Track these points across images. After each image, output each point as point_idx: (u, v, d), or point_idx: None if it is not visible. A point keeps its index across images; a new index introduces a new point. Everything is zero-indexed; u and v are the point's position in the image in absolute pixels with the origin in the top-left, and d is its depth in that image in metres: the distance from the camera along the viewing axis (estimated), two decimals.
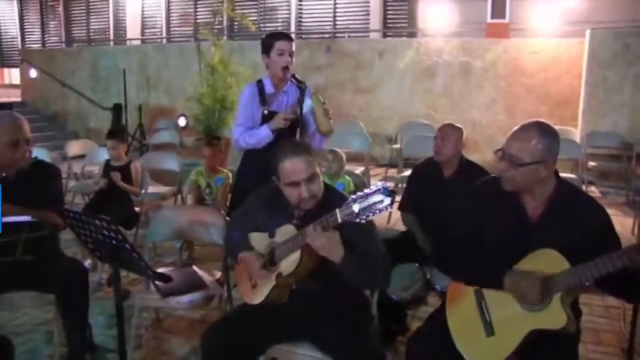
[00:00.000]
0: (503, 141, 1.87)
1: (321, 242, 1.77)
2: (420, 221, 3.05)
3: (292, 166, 1.92)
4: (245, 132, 2.97)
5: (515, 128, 1.85)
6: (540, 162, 1.78)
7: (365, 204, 1.65)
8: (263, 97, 2.97)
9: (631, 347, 2.34)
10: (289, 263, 1.92)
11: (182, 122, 7.63)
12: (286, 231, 1.96)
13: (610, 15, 7.22)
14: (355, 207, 1.66)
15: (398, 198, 3.15)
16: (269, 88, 2.99)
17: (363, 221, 1.68)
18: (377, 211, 1.64)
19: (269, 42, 2.91)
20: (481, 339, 1.82)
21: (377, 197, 1.63)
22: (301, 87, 2.91)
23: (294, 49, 2.92)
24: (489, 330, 1.82)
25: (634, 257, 1.60)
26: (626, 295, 1.86)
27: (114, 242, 1.87)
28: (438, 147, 2.96)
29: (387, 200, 1.62)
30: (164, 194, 4.92)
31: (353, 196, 1.69)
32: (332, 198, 1.97)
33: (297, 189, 1.93)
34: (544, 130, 1.80)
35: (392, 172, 6.46)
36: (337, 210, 1.73)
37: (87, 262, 3.15)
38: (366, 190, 1.66)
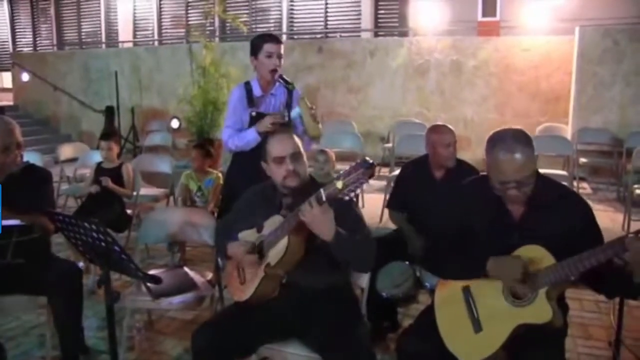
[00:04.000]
0: None
1: (314, 214, 1.77)
2: (411, 220, 3.06)
3: (277, 141, 2.01)
4: (234, 135, 2.97)
5: (501, 158, 1.77)
6: (535, 159, 1.82)
7: (347, 180, 1.67)
8: (251, 99, 2.97)
9: (618, 339, 2.36)
10: (277, 251, 1.93)
11: (174, 124, 7.62)
12: (274, 221, 1.99)
13: (600, 13, 7.27)
14: (339, 184, 1.68)
15: (387, 193, 3.18)
16: (256, 90, 2.99)
17: (347, 198, 1.70)
18: (360, 184, 1.67)
19: (257, 44, 2.91)
20: (470, 336, 1.84)
21: (358, 171, 1.65)
22: (289, 87, 2.91)
23: (282, 51, 2.92)
24: (477, 326, 1.84)
25: (617, 250, 1.62)
26: (605, 290, 1.88)
27: (103, 244, 1.88)
28: (451, 154, 2.93)
29: (368, 173, 1.65)
30: (156, 196, 4.92)
31: (335, 174, 1.71)
32: (317, 185, 1.99)
33: (282, 165, 1.99)
34: (520, 137, 1.79)
35: (385, 171, 6.49)
36: (321, 190, 1.75)
37: (80, 265, 3.15)
38: (347, 168, 1.69)
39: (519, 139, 1.79)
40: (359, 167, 1.65)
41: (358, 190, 1.69)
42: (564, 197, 1.90)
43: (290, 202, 2.03)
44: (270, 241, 1.97)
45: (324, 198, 1.75)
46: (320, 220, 1.79)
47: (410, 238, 2.95)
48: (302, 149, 2.06)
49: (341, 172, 1.70)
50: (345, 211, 1.93)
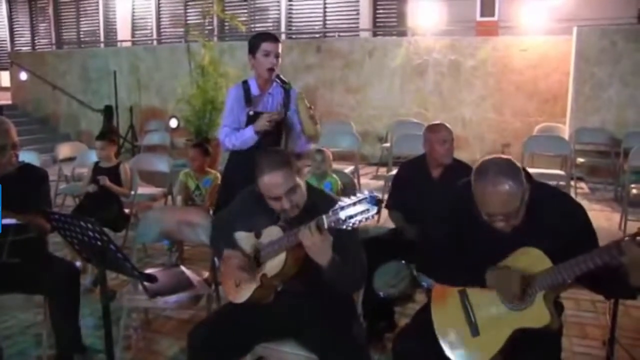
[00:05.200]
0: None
1: (313, 241, 1.76)
2: (409, 219, 3.06)
3: (271, 181, 1.91)
4: (231, 134, 2.97)
5: (484, 191, 1.74)
6: (524, 191, 1.75)
7: (351, 211, 1.66)
8: (248, 98, 2.97)
9: (612, 338, 2.37)
10: (274, 264, 1.93)
11: (173, 123, 7.63)
12: (272, 232, 1.97)
13: (597, 13, 7.28)
14: (342, 215, 1.68)
15: (385, 193, 3.18)
16: (254, 89, 2.99)
17: (349, 228, 1.69)
18: (363, 219, 1.66)
19: (255, 42, 2.91)
20: (467, 340, 1.84)
21: (364, 206, 1.65)
22: (285, 87, 2.92)
23: (280, 50, 2.92)
24: (475, 330, 1.83)
25: (614, 254, 1.61)
26: (604, 291, 1.88)
27: (99, 243, 1.88)
28: (447, 151, 2.94)
29: (373, 210, 1.64)
30: (154, 195, 4.92)
31: (340, 203, 1.70)
32: (317, 201, 1.99)
33: (279, 201, 1.94)
34: (505, 170, 1.73)
35: (383, 170, 6.49)
36: (323, 217, 1.74)
37: (77, 264, 3.16)
38: (353, 198, 1.68)
39: (504, 171, 1.72)
40: (364, 201, 1.64)
41: (361, 223, 1.67)
42: (557, 201, 1.88)
43: (288, 215, 2.01)
44: (268, 252, 1.96)
45: (325, 226, 1.74)
46: (318, 247, 1.77)
47: (414, 235, 2.94)
48: (296, 179, 1.95)
49: (346, 200, 1.68)
50: (345, 237, 1.89)
